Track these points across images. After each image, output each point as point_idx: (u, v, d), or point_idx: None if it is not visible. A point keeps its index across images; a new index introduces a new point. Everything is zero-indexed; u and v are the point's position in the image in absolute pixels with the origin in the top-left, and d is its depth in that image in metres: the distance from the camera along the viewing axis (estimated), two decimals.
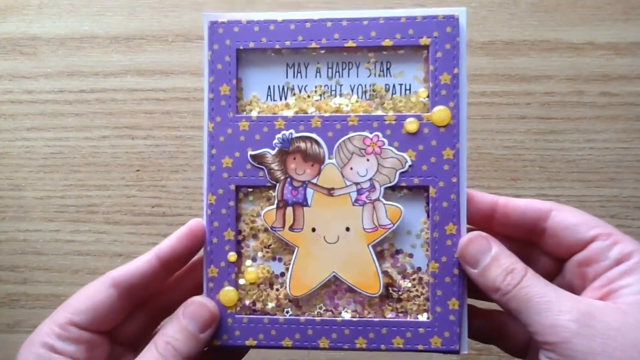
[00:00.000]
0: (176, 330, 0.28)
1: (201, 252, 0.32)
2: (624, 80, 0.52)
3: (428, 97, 0.31)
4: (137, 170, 0.53)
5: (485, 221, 0.31)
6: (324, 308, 0.32)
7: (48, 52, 0.54)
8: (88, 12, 0.54)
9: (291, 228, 0.31)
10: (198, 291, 0.32)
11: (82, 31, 0.54)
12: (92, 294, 0.29)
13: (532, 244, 0.31)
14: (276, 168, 0.31)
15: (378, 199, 0.31)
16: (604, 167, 0.52)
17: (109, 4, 0.54)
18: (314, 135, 0.31)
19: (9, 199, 0.53)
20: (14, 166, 0.53)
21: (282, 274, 0.32)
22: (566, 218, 0.29)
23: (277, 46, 0.31)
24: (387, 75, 0.32)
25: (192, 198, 0.52)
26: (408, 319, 0.31)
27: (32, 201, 0.53)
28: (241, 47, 0.31)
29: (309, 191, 0.31)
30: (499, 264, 0.28)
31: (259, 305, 0.32)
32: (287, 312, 0.32)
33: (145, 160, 0.53)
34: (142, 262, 0.30)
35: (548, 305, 0.25)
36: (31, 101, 0.54)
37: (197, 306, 0.29)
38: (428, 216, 0.31)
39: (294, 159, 0.31)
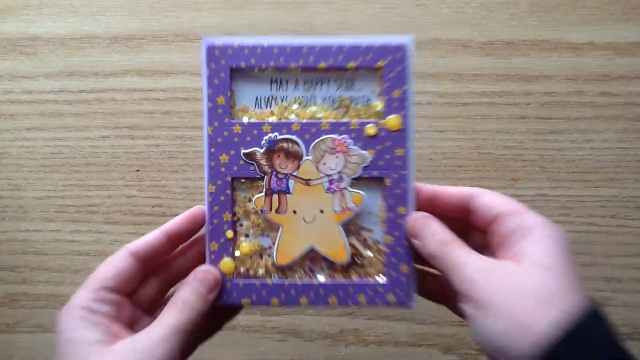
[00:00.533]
0: (189, 292, 0.35)
1: (201, 231, 0.38)
2: (623, 80, 0.52)
3: (383, 107, 0.38)
4: (137, 170, 0.53)
5: (430, 205, 0.38)
6: (303, 273, 0.39)
7: (48, 52, 0.54)
8: (88, 12, 0.54)
9: (277, 211, 0.38)
10: (199, 263, 0.37)
11: (82, 31, 0.54)
12: (115, 263, 0.35)
13: (467, 221, 0.37)
14: (264, 163, 0.38)
15: (345, 188, 0.38)
16: (604, 167, 0.52)
17: (109, 4, 0.54)
18: (294, 137, 0.38)
19: (9, 199, 0.53)
20: (14, 166, 0.53)
21: (270, 247, 0.39)
22: (486, 200, 0.35)
23: (264, 66, 0.38)
24: (351, 90, 0.39)
25: (192, 198, 0.52)
26: (369, 281, 0.38)
27: (32, 201, 0.53)
28: (234, 66, 0.38)
29: (291, 182, 0.38)
30: (434, 237, 0.35)
31: (251, 272, 0.39)
32: (274, 277, 0.39)
33: (145, 160, 0.53)
34: (151, 237, 0.36)
35: (463, 265, 0.32)
36: (31, 101, 0.54)
37: (205, 273, 0.36)
38: (384, 201, 0.38)
39: (278, 156, 0.38)
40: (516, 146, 0.52)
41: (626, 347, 0.28)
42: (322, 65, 0.38)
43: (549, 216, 0.51)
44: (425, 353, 0.51)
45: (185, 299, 0.34)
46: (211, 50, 0.38)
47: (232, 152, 0.38)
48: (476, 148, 0.52)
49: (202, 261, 0.38)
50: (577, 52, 0.52)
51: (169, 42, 0.53)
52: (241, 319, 0.51)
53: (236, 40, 0.38)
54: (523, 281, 0.30)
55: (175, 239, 0.37)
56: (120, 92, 0.53)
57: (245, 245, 0.39)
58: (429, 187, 0.38)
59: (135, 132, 0.53)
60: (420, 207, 0.38)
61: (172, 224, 0.37)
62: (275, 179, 0.38)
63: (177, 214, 0.51)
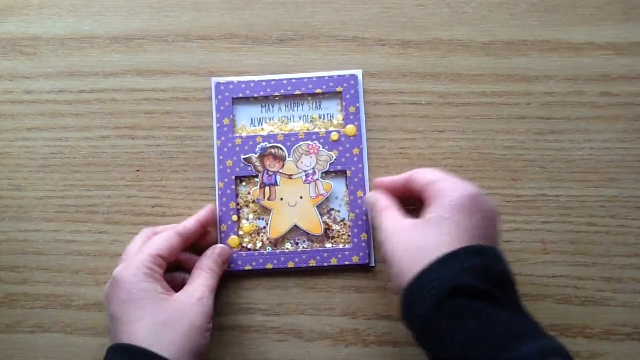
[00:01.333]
0: (211, 262, 0.48)
1: None
2: (623, 80, 0.52)
3: (343, 119, 0.52)
4: (137, 170, 0.53)
5: (385, 189, 0.48)
6: (290, 244, 0.52)
7: (48, 52, 0.54)
8: (88, 12, 0.54)
9: (268, 199, 0.51)
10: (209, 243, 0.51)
11: (82, 31, 0.54)
12: (167, 238, 0.46)
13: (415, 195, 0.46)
14: (258, 164, 0.52)
15: (318, 179, 0.51)
16: (604, 167, 0.52)
17: (109, 4, 0.54)
18: (279, 145, 0.52)
19: (9, 199, 0.53)
20: (14, 166, 0.53)
21: (264, 227, 0.52)
22: (417, 176, 0.44)
23: (255, 95, 0.52)
24: (319, 109, 0.53)
25: (192, 198, 0.52)
26: (339, 247, 0.51)
27: (32, 201, 0.53)
28: (234, 97, 0.52)
29: (278, 177, 0.51)
30: (376, 207, 0.46)
31: (251, 246, 0.52)
32: (268, 248, 0.51)
33: (145, 160, 0.53)
34: (190, 222, 0.49)
35: (378, 229, 0.44)
36: (31, 101, 0.54)
37: (221, 249, 0.49)
38: (347, 187, 0.52)
39: (269, 159, 0.52)
40: (516, 146, 0.52)
41: (476, 284, 0.36)
42: (297, 92, 0.52)
43: (548, 216, 0.52)
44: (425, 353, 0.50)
45: (210, 267, 0.47)
46: (218, 86, 0.52)
47: (235, 157, 0.52)
48: (476, 148, 0.52)
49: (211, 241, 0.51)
50: (577, 52, 0.52)
51: (169, 42, 0.53)
52: (241, 319, 0.51)
53: (235, 78, 0.52)
54: (411, 238, 0.41)
55: (204, 225, 0.50)
56: (120, 92, 0.53)
57: (246, 226, 0.52)
58: (387, 179, 0.48)
59: (135, 132, 0.53)
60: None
61: (202, 214, 0.49)
62: (267, 175, 0.51)
63: (177, 214, 0.52)
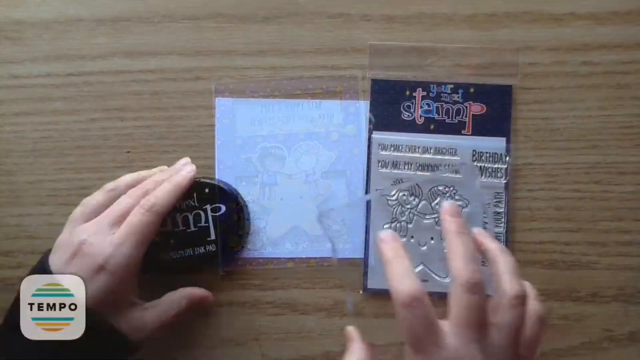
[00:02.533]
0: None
1: None
2: (604, 49, 0.53)
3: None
4: (128, 152, 0.53)
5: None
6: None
7: (33, 36, 0.54)
8: None
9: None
10: None
11: (68, 14, 0.54)
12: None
13: None
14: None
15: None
16: (587, 135, 0.53)
17: None
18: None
19: (0, 185, 0.53)
20: (4, 151, 0.53)
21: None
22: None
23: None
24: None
25: None
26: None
27: (24, 186, 0.53)
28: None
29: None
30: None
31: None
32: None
33: (135, 141, 0.53)
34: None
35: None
36: (18, 86, 0.53)
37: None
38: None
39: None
40: None
41: None
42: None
43: (535, 184, 0.53)
44: None
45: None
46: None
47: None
48: None
49: None
50: (558, 23, 0.53)
51: (155, 22, 0.53)
52: (237, 294, 0.52)
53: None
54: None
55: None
56: (108, 75, 0.53)
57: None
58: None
59: (125, 113, 0.53)
60: None
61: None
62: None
63: None
